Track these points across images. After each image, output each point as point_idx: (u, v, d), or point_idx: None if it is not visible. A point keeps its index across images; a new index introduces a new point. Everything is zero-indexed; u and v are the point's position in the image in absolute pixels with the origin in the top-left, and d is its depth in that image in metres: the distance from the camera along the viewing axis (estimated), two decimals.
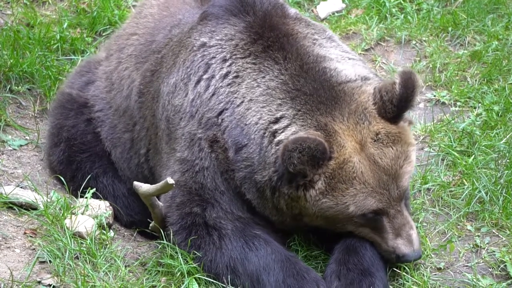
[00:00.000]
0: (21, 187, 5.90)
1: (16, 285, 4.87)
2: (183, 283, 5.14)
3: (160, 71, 5.76)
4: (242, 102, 5.22)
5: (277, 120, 5.10)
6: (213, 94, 5.31)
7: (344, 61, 5.36)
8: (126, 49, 6.24)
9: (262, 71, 5.26)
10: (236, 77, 5.29)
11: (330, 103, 5.08)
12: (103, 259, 5.24)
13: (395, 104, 5.06)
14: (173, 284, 5.16)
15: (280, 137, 5.05)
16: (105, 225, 5.62)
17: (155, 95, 5.74)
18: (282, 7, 5.59)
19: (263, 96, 5.18)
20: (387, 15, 8.28)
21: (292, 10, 5.66)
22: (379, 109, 5.09)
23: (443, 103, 7.23)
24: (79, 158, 6.23)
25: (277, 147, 5.03)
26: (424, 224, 5.83)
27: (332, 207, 5.02)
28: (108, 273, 5.15)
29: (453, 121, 6.90)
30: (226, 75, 5.31)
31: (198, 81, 5.40)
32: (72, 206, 5.66)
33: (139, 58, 6.08)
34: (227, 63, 5.34)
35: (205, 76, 5.38)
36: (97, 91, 6.32)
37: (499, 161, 6.33)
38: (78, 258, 5.22)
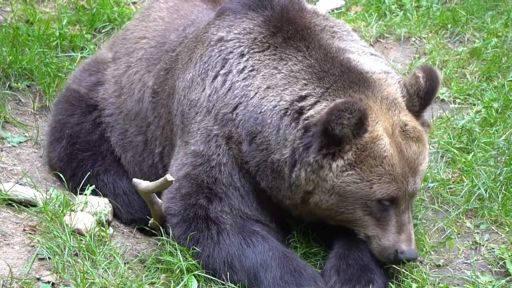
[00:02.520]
0: (20, 184, 5.89)
1: (15, 282, 4.87)
2: (182, 280, 5.14)
3: (175, 68, 5.77)
4: (256, 93, 5.24)
5: (302, 98, 5.12)
6: (229, 89, 5.34)
7: (365, 55, 5.41)
8: (135, 53, 6.24)
9: (284, 59, 5.29)
10: (252, 70, 5.32)
11: (363, 84, 5.13)
12: (102, 256, 5.23)
13: (422, 97, 5.17)
14: (172, 281, 5.15)
15: (309, 113, 5.06)
16: (104, 222, 5.62)
17: (170, 92, 5.75)
18: (299, 1, 5.64)
19: (284, 79, 5.21)
20: (386, 12, 8.28)
21: (309, 5, 5.72)
22: (407, 102, 5.18)
23: (443, 100, 7.23)
24: (81, 156, 6.21)
25: (306, 121, 5.04)
26: (424, 221, 5.83)
27: (355, 181, 5.02)
28: (107, 270, 5.15)
29: (452, 118, 6.90)
30: (242, 70, 5.34)
31: (215, 77, 5.42)
32: (71, 203, 5.66)
33: (150, 60, 6.07)
34: (244, 58, 5.37)
35: (222, 71, 5.41)
36: (106, 94, 6.31)
37: (499, 158, 6.33)
38: (77, 255, 5.21)
